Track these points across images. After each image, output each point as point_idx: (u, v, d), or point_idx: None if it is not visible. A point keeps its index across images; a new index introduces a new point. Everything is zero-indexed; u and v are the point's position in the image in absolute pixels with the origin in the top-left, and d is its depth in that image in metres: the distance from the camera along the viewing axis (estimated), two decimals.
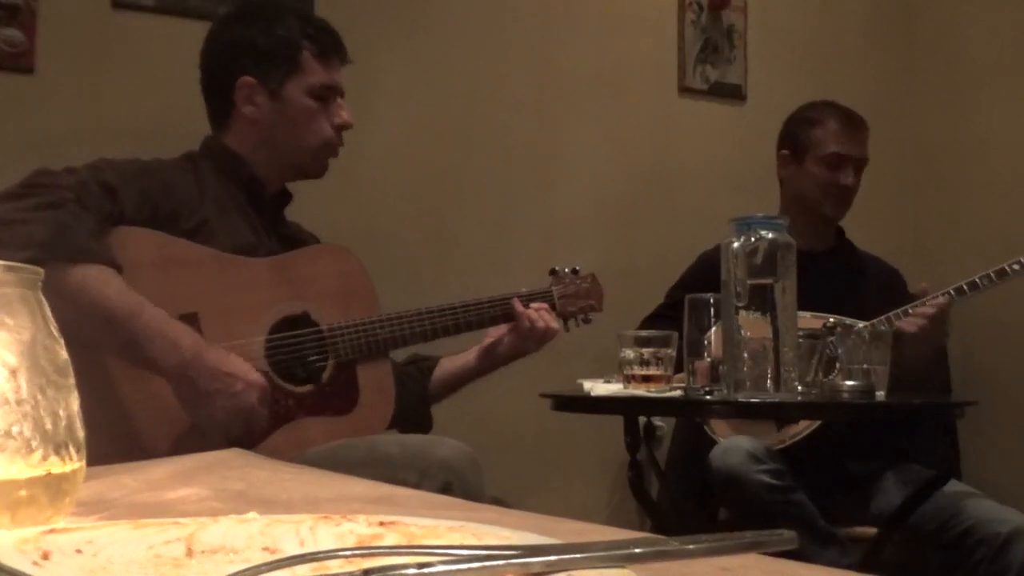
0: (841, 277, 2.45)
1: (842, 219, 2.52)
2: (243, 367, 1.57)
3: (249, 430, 1.59)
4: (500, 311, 1.93)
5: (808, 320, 1.89)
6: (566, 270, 2.07)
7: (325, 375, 1.75)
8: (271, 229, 1.84)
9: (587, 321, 2.08)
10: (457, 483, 1.48)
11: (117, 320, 1.50)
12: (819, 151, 2.45)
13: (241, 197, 1.81)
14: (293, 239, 1.89)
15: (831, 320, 1.89)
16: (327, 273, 1.81)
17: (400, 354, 1.95)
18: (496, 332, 1.96)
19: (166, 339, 1.51)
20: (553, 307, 2.00)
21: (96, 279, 1.50)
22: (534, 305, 1.95)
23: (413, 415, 1.99)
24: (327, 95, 1.83)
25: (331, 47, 1.84)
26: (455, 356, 2.03)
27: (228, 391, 1.53)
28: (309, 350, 1.74)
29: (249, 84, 1.80)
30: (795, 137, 2.52)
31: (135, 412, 1.58)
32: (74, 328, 1.46)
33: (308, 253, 1.85)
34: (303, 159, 1.84)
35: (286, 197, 1.91)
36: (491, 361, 1.99)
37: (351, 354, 1.76)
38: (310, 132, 1.82)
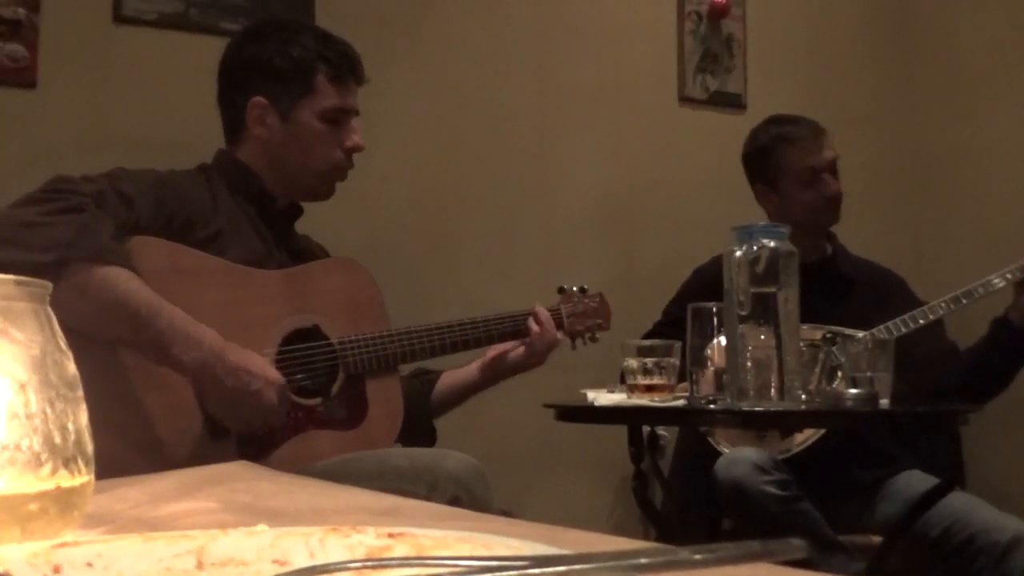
0: (835, 287, 2.42)
1: (838, 223, 2.49)
2: (262, 365, 1.59)
3: (267, 426, 1.62)
4: (510, 328, 1.92)
5: (806, 332, 1.88)
6: (574, 288, 2.06)
7: (335, 388, 1.75)
8: (281, 242, 1.85)
9: (594, 340, 2.07)
10: (465, 496, 1.48)
11: (141, 318, 1.51)
12: (792, 172, 2.38)
13: (252, 210, 1.81)
14: (303, 252, 1.89)
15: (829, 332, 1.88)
16: (337, 286, 1.81)
17: (406, 368, 1.95)
18: (501, 345, 1.95)
19: (188, 337, 1.52)
20: (561, 325, 1.99)
21: (119, 278, 1.51)
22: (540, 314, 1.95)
23: (417, 428, 1.99)
24: (339, 118, 1.82)
25: (347, 70, 1.83)
26: (456, 371, 2.02)
27: (248, 388, 1.55)
28: (319, 363, 1.74)
29: (261, 105, 1.80)
30: (762, 170, 2.45)
31: (154, 421, 1.59)
32: (96, 327, 1.48)
33: (319, 266, 1.85)
34: (310, 181, 1.84)
35: (296, 211, 1.91)
36: (494, 374, 1.98)
37: (361, 368, 1.76)
38: (318, 156, 1.81)
